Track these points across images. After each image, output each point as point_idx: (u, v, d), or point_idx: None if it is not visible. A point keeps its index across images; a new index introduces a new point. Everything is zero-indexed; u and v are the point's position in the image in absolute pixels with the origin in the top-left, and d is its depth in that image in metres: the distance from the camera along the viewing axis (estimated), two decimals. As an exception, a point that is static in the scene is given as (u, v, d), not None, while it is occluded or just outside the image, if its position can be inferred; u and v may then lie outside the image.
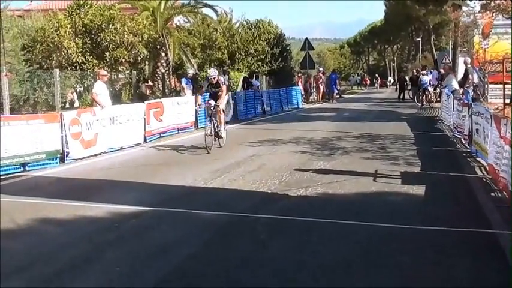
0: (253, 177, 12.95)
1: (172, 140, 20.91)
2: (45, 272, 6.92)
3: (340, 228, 8.87)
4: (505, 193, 10.41)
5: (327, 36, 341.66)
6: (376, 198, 10.98)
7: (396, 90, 53.06)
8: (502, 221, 8.90)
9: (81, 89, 28.64)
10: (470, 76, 26.01)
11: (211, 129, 17.99)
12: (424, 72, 42.40)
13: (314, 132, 22.43)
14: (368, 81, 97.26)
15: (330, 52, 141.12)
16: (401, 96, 47.31)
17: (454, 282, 6.64)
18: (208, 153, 17.00)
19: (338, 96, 52.34)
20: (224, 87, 19.12)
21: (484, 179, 12.70)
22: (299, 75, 51.95)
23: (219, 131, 18.30)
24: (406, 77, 45.78)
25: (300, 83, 46.52)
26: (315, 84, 48.00)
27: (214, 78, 18.56)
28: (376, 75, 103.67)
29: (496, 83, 28.47)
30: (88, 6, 29.85)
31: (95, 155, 16.66)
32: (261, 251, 7.79)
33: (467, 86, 25.43)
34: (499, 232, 8.31)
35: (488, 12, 29.41)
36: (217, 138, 18.29)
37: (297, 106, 40.88)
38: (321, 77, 48.42)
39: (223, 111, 19.02)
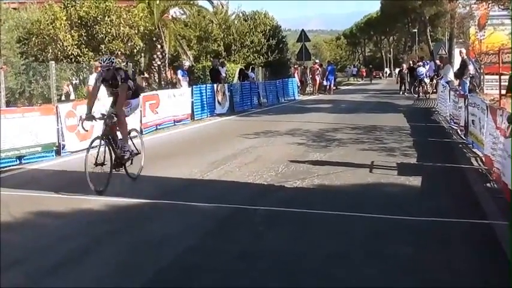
0: (249, 169, 12.94)
1: (168, 132, 20.92)
2: (42, 264, 6.90)
3: (338, 219, 8.90)
4: (499, 184, 10.43)
5: (323, 27, 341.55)
6: (372, 190, 10.99)
7: (397, 82, 52.26)
8: (498, 211, 8.94)
9: (77, 81, 28.56)
10: (469, 66, 25.99)
11: (104, 155, 11.22)
12: (421, 63, 42.40)
13: (310, 123, 22.42)
14: (364, 73, 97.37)
15: (326, 44, 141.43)
16: (403, 89, 45.91)
17: (453, 272, 6.65)
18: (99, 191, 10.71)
19: (335, 87, 52.28)
20: (124, 86, 11.54)
21: (480, 170, 12.73)
22: (295, 66, 52.01)
23: (122, 154, 11.61)
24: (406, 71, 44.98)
25: (296, 75, 46.55)
26: (311, 76, 47.92)
27: (106, 68, 11.35)
28: (370, 66, 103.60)
29: (492, 74, 28.52)
30: (84, -2, 29.78)
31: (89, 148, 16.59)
32: (259, 243, 7.80)
33: (465, 77, 25.44)
34: (495, 223, 8.34)
35: (484, 3, 29.47)
36: (119, 168, 11.64)
37: (293, 98, 40.93)
38: (317, 69, 48.35)
39: (122, 120, 11.77)
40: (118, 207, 9.72)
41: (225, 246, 7.64)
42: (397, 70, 74.63)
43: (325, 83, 47.85)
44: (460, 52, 26.87)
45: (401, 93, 43.52)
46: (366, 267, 6.81)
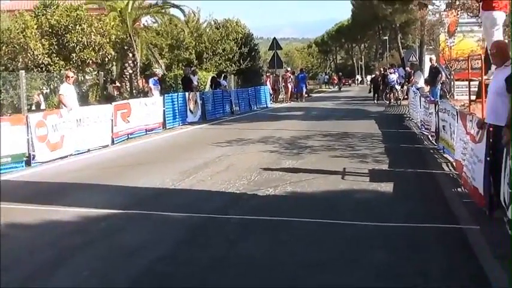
0: (222, 177, 12.89)
1: (140, 141, 20.80)
2: (12, 277, 6.81)
3: (311, 226, 8.88)
4: (467, 188, 10.51)
5: (294, 35, 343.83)
6: (345, 196, 11.00)
7: (370, 91, 51.48)
8: (469, 216, 9.02)
9: (48, 91, 28.41)
10: (442, 73, 26.18)
11: None
12: (392, 70, 42.70)
13: (283, 131, 22.45)
14: (336, 80, 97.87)
15: (298, 51, 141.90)
16: (376, 97, 44.48)
17: (427, 277, 6.67)
18: None
19: (306, 95, 52.46)
20: None
21: (451, 175, 12.81)
22: (267, 74, 52.13)
23: None
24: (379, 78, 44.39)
25: (268, 83, 46.66)
26: (283, 84, 48.05)
27: None
28: (340, 73, 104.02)
29: (462, 80, 28.79)
30: (55, 6, 29.72)
31: (62, 158, 16.48)
32: (232, 252, 7.75)
33: (437, 83, 25.65)
34: (466, 227, 8.44)
35: (453, 10, 29.81)
36: None
37: (265, 105, 40.99)
38: (289, 76, 48.49)
39: None
40: (89, 217, 9.62)
41: (198, 255, 7.58)
42: (369, 77, 74.84)
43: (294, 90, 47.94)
44: (430, 59, 27.11)
45: (375, 101, 42.96)
46: (340, 274, 6.81)
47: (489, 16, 11.93)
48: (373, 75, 50.48)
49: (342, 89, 79.77)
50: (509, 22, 19.45)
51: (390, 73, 41.01)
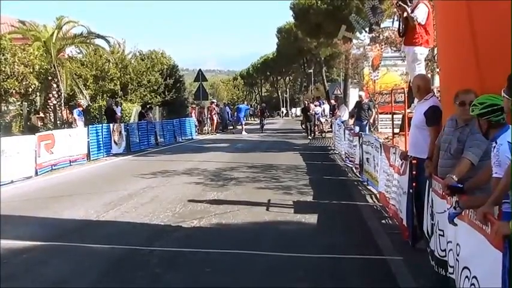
0: (146, 209, 12.90)
1: (64, 173, 20.57)
2: None
3: (235, 258, 9.00)
4: (395, 220, 10.77)
5: (220, 68, 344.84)
6: (269, 228, 11.15)
7: (302, 124, 47.91)
8: (392, 247, 9.29)
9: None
10: (373, 110, 26.44)
11: None
12: (317, 103, 43.23)
13: (208, 163, 22.54)
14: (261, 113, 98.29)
15: (223, 83, 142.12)
16: (309, 129, 40.54)
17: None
18: None
19: (232, 127, 52.70)
20: None
21: (374, 207, 13.12)
22: (193, 106, 52.15)
23: None
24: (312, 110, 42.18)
25: (193, 114, 46.70)
26: (208, 115, 48.19)
27: None
28: (264, 104, 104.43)
29: (386, 113, 29.30)
30: (-23, 36, 29.23)
31: (-17, 189, 16.20)
32: (156, 285, 7.78)
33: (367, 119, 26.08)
34: (390, 258, 8.66)
35: (377, 44, 30.42)
36: None
37: (190, 137, 41.05)
38: (214, 108, 48.69)
39: None
40: (12, 250, 9.48)
41: (121, 288, 7.60)
42: (298, 110, 74.40)
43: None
44: (360, 97, 27.62)
45: (310, 137, 39.23)
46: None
47: (411, 51, 12.25)
48: (304, 106, 47.35)
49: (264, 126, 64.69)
50: (431, 57, 20.05)
51: (315, 105, 41.50)
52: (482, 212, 4.95)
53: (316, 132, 39.35)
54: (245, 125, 50.06)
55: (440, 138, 7.57)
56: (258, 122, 53.06)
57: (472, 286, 5.08)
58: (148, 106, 39.75)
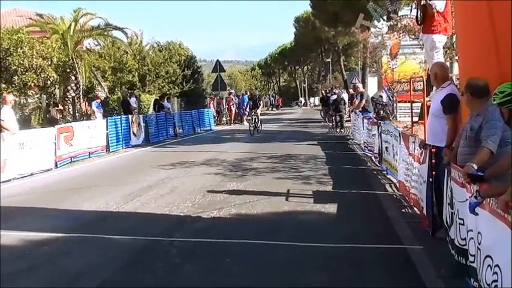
0: (166, 200, 12.93)
1: (83, 165, 20.66)
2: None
3: (255, 248, 9.00)
4: (416, 209, 10.73)
5: (238, 58, 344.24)
6: (289, 218, 11.13)
7: (320, 113, 48.87)
8: (412, 236, 9.23)
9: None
10: (364, 99, 26.15)
11: None
12: (337, 91, 43.00)
13: (227, 153, 22.54)
14: (280, 103, 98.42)
15: (241, 74, 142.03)
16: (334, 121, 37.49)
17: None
18: None
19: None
20: None
21: (394, 196, 13.07)
22: (211, 97, 52.11)
23: None
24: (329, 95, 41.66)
25: (212, 105, 46.67)
26: (227, 106, 48.13)
27: None
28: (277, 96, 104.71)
29: (404, 102, 29.14)
30: (-5, 29, 29.36)
31: (5, 182, 16.28)
32: (175, 275, 7.80)
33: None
34: (410, 247, 8.62)
35: (395, 33, 30.24)
36: None
37: (209, 128, 41.06)
38: (232, 99, 48.60)
39: None
40: (34, 241, 9.54)
41: (141, 278, 7.63)
42: (316, 99, 73.86)
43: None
44: (358, 87, 27.50)
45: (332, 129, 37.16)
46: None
47: (429, 39, 12.17)
48: (323, 95, 46.89)
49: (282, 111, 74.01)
50: (450, 44, 19.89)
51: (333, 95, 41.17)
52: (503, 201, 4.92)
53: (335, 122, 38.61)
54: (261, 116, 49.78)
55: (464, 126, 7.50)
56: (276, 112, 52.11)
57: (495, 275, 5.05)
58: (166, 97, 39.70)
